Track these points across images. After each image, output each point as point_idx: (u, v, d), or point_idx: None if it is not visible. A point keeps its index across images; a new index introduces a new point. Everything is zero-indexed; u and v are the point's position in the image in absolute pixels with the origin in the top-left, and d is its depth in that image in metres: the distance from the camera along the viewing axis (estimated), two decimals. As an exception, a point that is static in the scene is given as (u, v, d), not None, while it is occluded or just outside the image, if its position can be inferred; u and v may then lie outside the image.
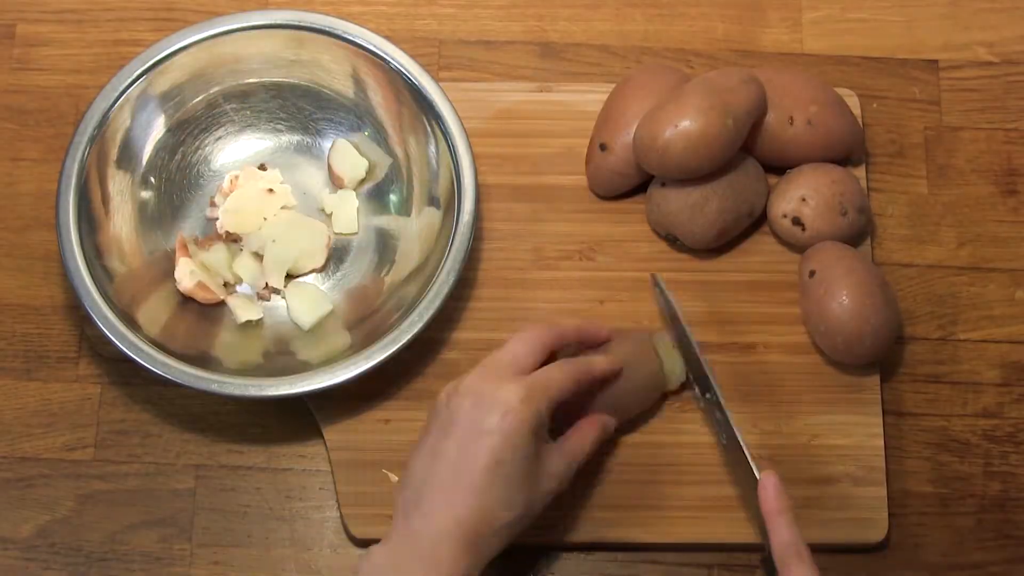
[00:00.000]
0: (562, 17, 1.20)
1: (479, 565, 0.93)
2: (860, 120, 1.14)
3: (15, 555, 1.05)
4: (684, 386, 1.07)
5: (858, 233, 1.10)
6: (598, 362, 1.01)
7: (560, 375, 0.97)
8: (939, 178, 1.16)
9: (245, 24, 1.09)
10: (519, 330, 0.99)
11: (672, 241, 1.10)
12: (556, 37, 1.20)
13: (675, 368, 1.05)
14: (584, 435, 1.00)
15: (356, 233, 1.12)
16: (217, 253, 1.10)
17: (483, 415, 0.93)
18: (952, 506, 1.07)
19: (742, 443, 0.99)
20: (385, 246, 1.12)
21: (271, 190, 1.12)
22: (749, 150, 1.10)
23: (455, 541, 0.91)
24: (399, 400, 1.08)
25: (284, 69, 1.12)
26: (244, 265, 1.10)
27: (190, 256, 1.09)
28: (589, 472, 1.05)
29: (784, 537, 0.91)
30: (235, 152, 1.14)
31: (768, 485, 0.93)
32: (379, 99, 1.12)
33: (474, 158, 1.07)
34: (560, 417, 1.00)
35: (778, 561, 0.91)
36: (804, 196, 1.08)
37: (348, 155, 1.13)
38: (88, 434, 1.08)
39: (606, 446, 1.05)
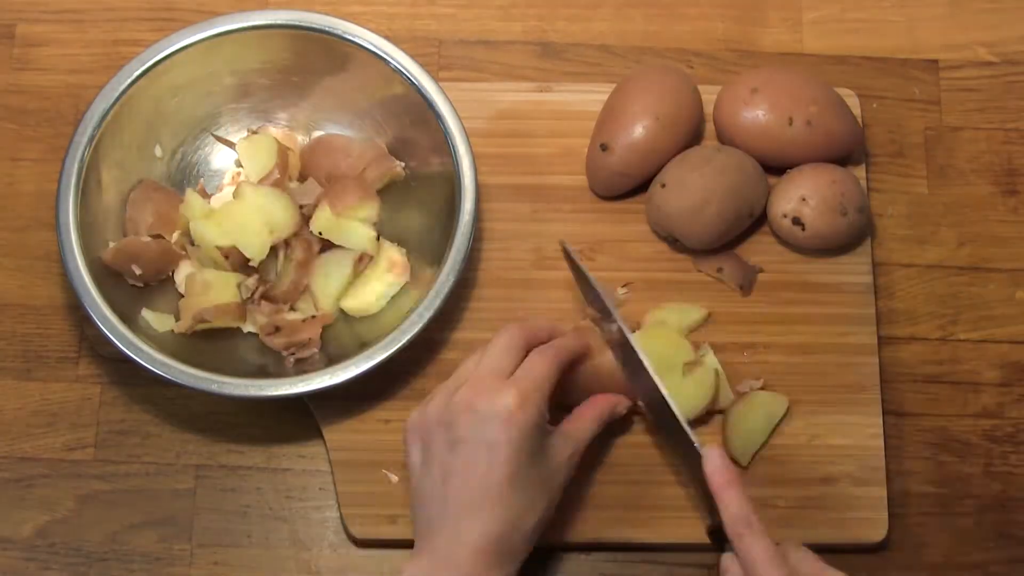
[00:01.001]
0: (562, 17, 1.20)
1: (513, 573, 0.94)
2: (860, 120, 1.14)
3: (15, 555, 1.05)
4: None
5: (858, 233, 1.10)
6: (568, 339, 1.01)
7: (543, 366, 0.97)
8: (939, 178, 1.16)
9: (245, 24, 1.09)
10: (496, 335, 0.99)
11: (672, 242, 1.10)
12: (556, 37, 1.20)
13: None
14: (586, 416, 1.01)
15: None
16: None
17: (486, 428, 0.93)
18: (952, 506, 1.07)
19: (679, 417, 0.97)
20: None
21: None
22: (749, 150, 1.11)
23: (489, 556, 0.92)
24: (399, 400, 1.07)
25: (284, 69, 1.12)
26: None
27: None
28: (589, 472, 1.05)
29: (734, 510, 0.91)
30: (235, 152, 1.14)
31: (713, 457, 0.93)
32: (379, 99, 1.12)
33: (474, 158, 1.07)
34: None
35: (731, 534, 0.90)
36: (804, 196, 1.08)
37: None
38: (88, 434, 1.08)
39: (608, 446, 1.06)
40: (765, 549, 0.88)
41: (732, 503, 0.91)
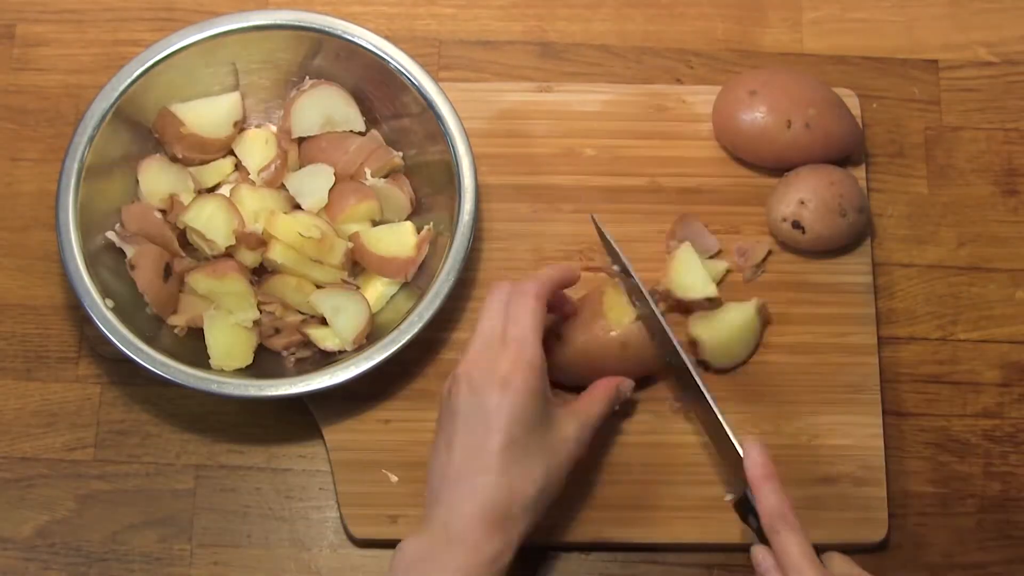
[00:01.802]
0: (562, 17, 1.20)
1: (512, 542, 0.93)
2: (860, 120, 1.14)
3: (15, 555, 1.05)
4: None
5: (858, 234, 1.10)
6: (547, 270, 1.00)
7: (525, 307, 0.96)
8: (939, 178, 1.16)
9: (245, 24, 1.09)
10: (490, 293, 0.99)
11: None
12: (556, 37, 1.20)
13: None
14: (595, 395, 1.01)
15: None
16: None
17: (482, 396, 0.94)
18: (952, 506, 1.07)
19: (715, 408, 0.98)
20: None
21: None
22: (747, 153, 1.11)
23: (483, 523, 0.91)
24: (399, 400, 1.07)
25: (283, 69, 1.12)
26: None
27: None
28: (589, 472, 1.05)
29: (772, 503, 0.92)
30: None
31: (753, 452, 0.94)
32: (379, 99, 1.12)
33: (474, 158, 1.07)
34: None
35: (767, 528, 0.91)
36: (803, 199, 1.08)
37: None
38: (88, 434, 1.08)
39: (608, 445, 1.06)
40: (800, 545, 0.90)
41: (770, 497, 0.92)
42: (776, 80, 1.11)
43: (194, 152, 1.10)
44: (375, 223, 1.10)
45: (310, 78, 1.12)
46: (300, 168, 1.12)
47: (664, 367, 1.05)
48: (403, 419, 1.07)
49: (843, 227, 1.08)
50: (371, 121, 1.13)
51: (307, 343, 1.07)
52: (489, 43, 1.19)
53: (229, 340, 1.05)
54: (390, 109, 1.11)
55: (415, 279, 1.09)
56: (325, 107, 1.11)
